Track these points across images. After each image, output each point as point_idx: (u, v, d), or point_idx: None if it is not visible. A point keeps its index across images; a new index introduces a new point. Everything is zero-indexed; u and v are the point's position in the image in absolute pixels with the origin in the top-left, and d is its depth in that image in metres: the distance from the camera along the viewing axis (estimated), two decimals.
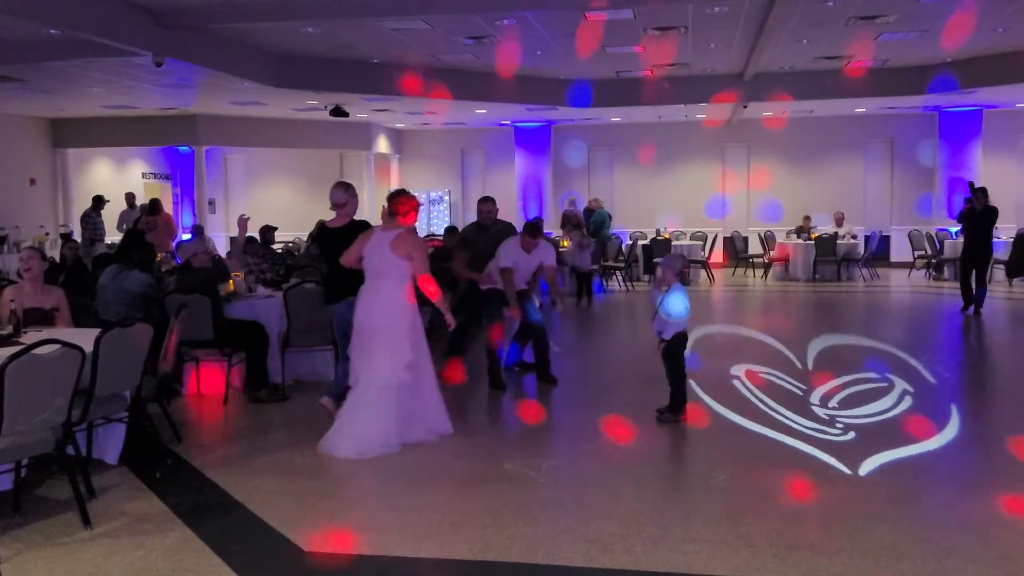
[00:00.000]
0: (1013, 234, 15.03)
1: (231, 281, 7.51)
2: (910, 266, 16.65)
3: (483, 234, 7.56)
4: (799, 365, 7.72)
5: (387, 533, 4.10)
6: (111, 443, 5.11)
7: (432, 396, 5.62)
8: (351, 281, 5.65)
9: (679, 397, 5.90)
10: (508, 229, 7.64)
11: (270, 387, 6.81)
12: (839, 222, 16.59)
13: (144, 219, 13.98)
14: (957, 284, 14.48)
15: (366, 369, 5.34)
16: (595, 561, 3.73)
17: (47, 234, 15.48)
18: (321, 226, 7.68)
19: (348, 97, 14.65)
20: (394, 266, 5.41)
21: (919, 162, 18.35)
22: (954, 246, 15.64)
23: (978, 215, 11.03)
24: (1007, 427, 5.95)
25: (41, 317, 5.68)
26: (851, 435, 5.54)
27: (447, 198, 20.24)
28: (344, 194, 6.09)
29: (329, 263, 6.05)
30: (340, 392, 5.69)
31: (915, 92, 14.98)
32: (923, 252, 16.24)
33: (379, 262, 5.44)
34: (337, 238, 5.90)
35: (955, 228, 16.53)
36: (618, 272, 15.10)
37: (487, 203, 7.76)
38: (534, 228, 7.27)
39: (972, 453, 5.36)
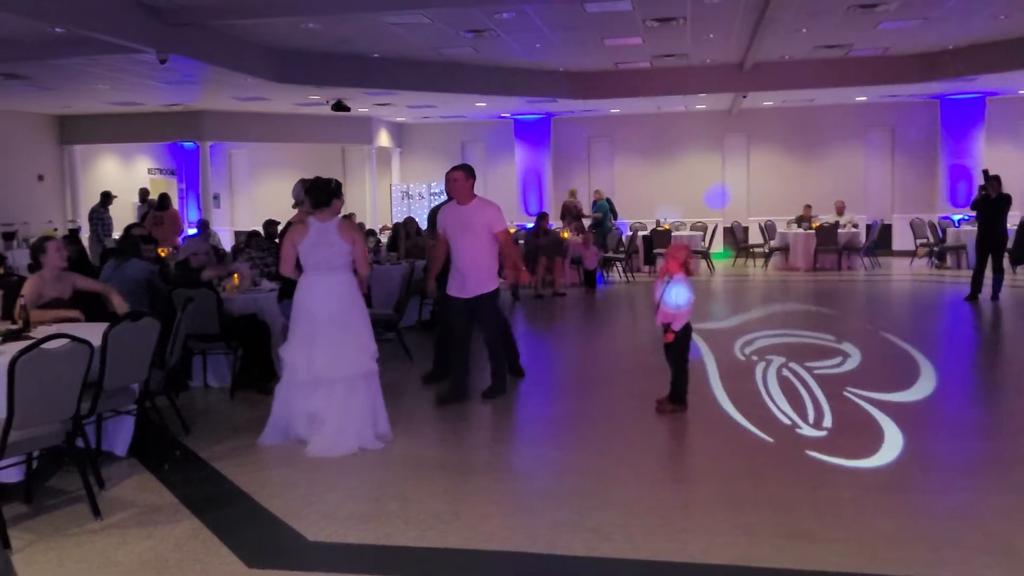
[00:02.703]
0: (1018, 221, 15.07)
1: (235, 276, 7.57)
2: (912, 255, 16.67)
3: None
4: (803, 353, 7.77)
5: (390, 522, 4.17)
6: (120, 435, 5.19)
7: (378, 396, 5.48)
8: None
9: (680, 387, 5.96)
10: None
11: (277, 379, 6.88)
12: (840, 211, 16.61)
13: (152, 214, 14.07)
14: (959, 272, 14.57)
15: (329, 366, 5.21)
16: (595, 551, 3.78)
17: (55, 229, 15.56)
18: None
19: (349, 92, 14.70)
20: (344, 254, 5.32)
21: (921, 150, 18.35)
22: (956, 234, 15.68)
23: (992, 202, 11.08)
24: (1007, 415, 6.01)
25: (61, 306, 5.74)
26: (849, 425, 5.60)
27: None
28: (304, 191, 5.94)
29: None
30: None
31: (916, 80, 14.98)
32: (925, 240, 16.26)
33: (328, 253, 5.28)
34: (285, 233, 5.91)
35: (958, 216, 16.57)
36: (618, 263, 15.16)
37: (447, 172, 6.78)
38: (465, 168, 6.17)
39: (971, 441, 5.41)
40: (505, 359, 6.56)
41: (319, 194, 5.39)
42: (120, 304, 5.80)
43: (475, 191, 6.28)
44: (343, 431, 5.21)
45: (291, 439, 5.35)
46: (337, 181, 5.55)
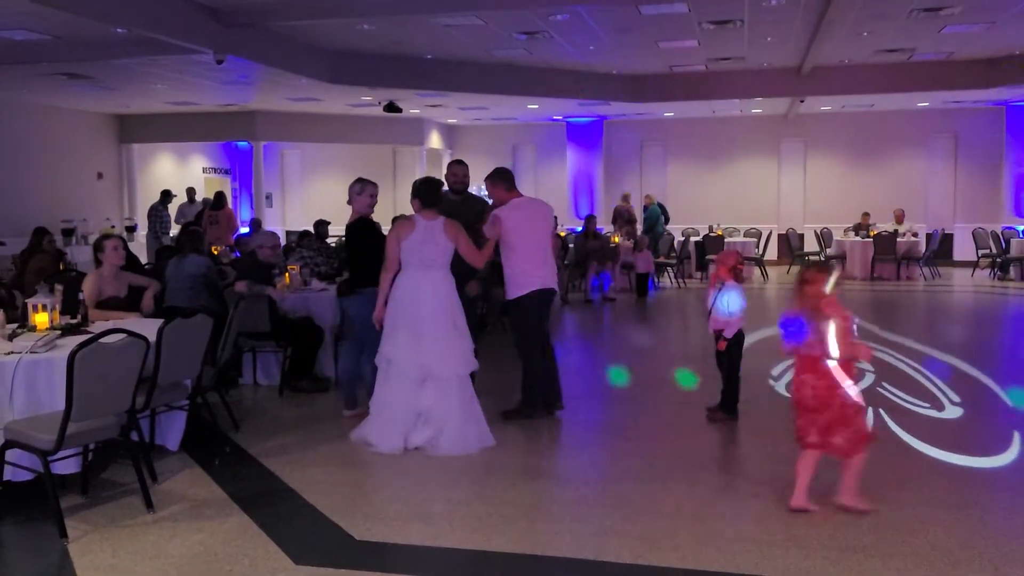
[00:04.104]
0: None
1: (287, 275, 7.65)
2: (974, 265, 16.20)
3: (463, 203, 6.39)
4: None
5: (437, 524, 4.16)
6: (172, 430, 5.28)
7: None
8: (367, 274, 5.64)
9: (732, 395, 5.86)
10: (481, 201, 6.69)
11: (312, 378, 6.95)
12: (899, 219, 16.21)
13: (208, 213, 14.30)
14: (1023, 285, 14.08)
15: (440, 363, 5.23)
16: (642, 559, 3.73)
17: (113, 227, 15.94)
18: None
19: (402, 93, 14.79)
20: (447, 253, 5.38)
21: (985, 158, 17.82)
22: (1021, 245, 15.18)
23: None
24: None
25: (118, 304, 5.89)
26: (906, 440, 5.43)
27: None
28: (351, 188, 5.98)
29: (347, 257, 6.08)
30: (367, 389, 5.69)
31: (981, 86, 14.55)
32: (988, 251, 15.79)
33: (432, 252, 5.33)
34: (348, 232, 5.96)
35: (1022, 226, 16.05)
36: (670, 269, 15.00)
37: (461, 166, 6.72)
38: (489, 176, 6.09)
39: None
40: (538, 377, 5.96)
41: (429, 194, 5.47)
42: (148, 301, 5.93)
43: (525, 193, 6.21)
44: (466, 427, 5.24)
45: (401, 447, 5.21)
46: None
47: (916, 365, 7.51)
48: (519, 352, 6.02)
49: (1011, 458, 5.10)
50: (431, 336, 5.24)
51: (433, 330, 5.25)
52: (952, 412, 6.10)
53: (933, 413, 6.04)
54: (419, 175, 19.77)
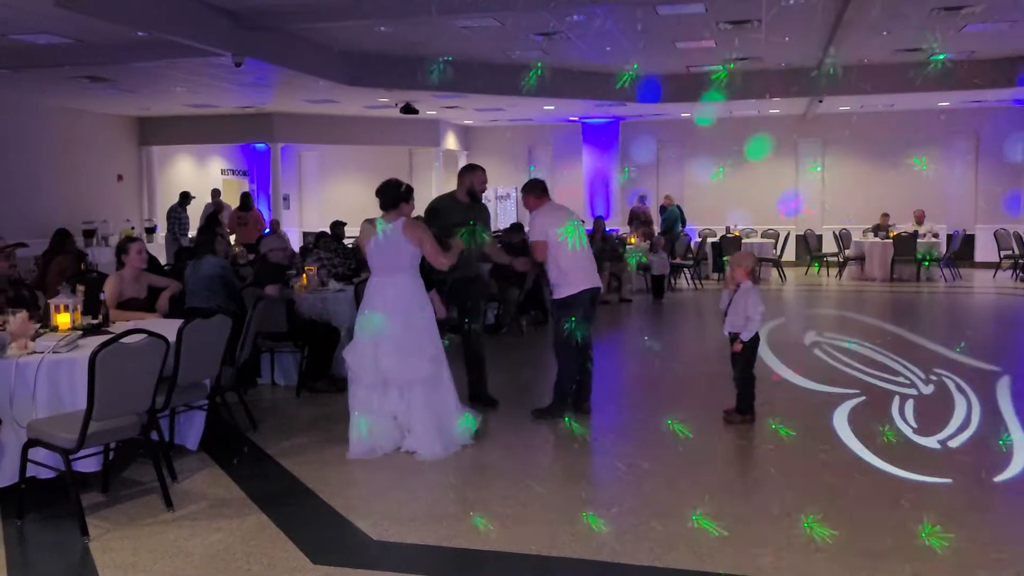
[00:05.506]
0: None
1: (304, 276, 7.69)
2: (995, 266, 16.03)
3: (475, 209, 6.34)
4: (873, 369, 7.53)
5: (452, 525, 4.17)
6: (192, 429, 5.32)
7: (454, 396, 5.49)
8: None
9: (747, 398, 5.84)
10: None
11: (329, 378, 6.97)
12: (919, 220, 16.06)
13: (237, 214, 14.36)
14: None
15: (396, 370, 5.20)
16: (660, 560, 3.72)
17: (133, 228, 16.07)
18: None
19: (418, 94, 14.82)
20: (411, 256, 5.30)
21: (1007, 158, 17.62)
22: None
23: None
24: None
25: (138, 305, 5.94)
26: (927, 442, 5.39)
27: (514, 194, 20.32)
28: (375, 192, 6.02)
29: None
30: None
31: (1003, 85, 14.39)
32: (1010, 252, 15.61)
33: (393, 254, 5.28)
34: None
35: None
36: (686, 270, 14.94)
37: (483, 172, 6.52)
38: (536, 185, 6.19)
39: None
40: (570, 378, 6.04)
41: (386, 196, 5.42)
42: (162, 302, 5.98)
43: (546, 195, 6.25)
44: (439, 432, 5.23)
45: (378, 453, 5.23)
46: (408, 185, 5.55)
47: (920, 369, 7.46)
48: (556, 352, 6.04)
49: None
50: (388, 341, 5.20)
51: (390, 335, 5.20)
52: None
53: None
54: (435, 176, 19.90)
